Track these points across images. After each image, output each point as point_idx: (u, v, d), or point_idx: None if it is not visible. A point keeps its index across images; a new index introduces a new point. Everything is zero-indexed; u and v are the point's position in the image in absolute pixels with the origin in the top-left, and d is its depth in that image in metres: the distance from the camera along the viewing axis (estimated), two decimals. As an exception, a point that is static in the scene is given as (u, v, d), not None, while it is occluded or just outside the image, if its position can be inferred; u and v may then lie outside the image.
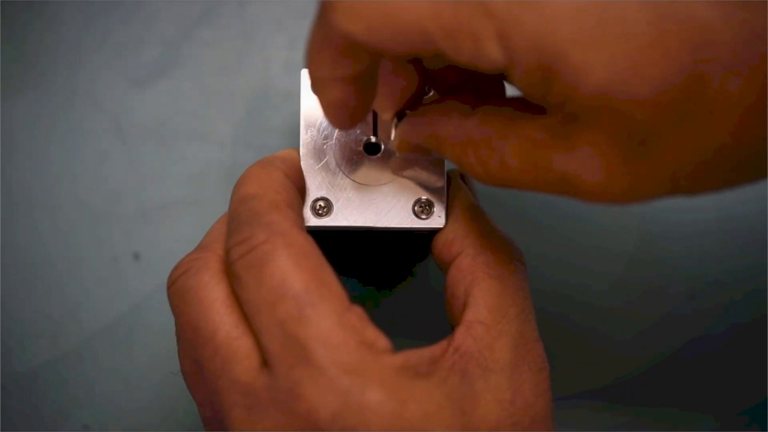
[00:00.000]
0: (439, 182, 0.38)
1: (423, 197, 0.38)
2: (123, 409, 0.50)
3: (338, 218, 0.38)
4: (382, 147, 0.38)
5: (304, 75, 0.39)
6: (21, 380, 0.50)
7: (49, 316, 0.51)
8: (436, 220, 0.38)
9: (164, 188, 0.51)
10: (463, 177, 0.39)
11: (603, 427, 0.51)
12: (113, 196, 0.51)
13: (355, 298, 0.33)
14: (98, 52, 0.52)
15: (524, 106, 0.30)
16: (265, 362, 0.31)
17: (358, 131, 0.39)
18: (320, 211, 0.38)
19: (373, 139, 0.38)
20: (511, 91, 0.33)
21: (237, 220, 0.33)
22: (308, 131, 0.38)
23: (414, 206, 0.38)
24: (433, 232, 0.39)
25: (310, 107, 0.38)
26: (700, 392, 0.51)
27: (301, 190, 0.37)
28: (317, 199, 0.38)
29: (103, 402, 0.50)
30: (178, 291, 0.34)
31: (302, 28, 0.51)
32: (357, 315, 0.31)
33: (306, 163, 0.38)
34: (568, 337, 0.51)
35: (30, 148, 0.51)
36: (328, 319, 0.30)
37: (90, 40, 0.52)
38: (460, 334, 0.34)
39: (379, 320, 0.33)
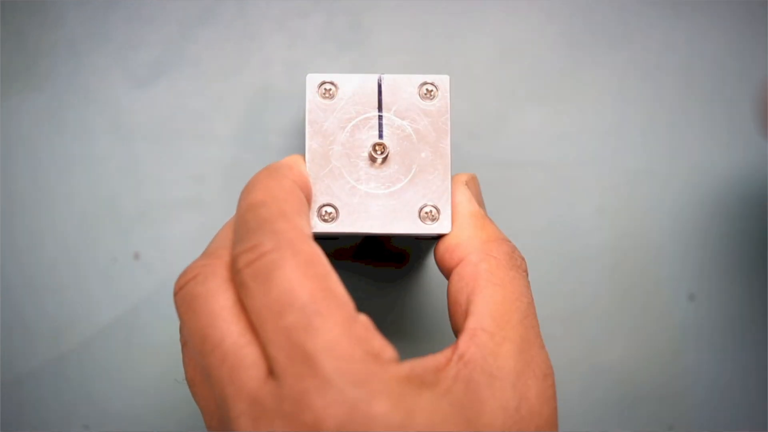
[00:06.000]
0: (445, 188, 0.38)
1: (429, 203, 0.38)
2: (123, 409, 0.50)
3: (344, 224, 0.38)
4: (388, 153, 0.38)
5: (309, 81, 0.39)
6: (21, 380, 0.50)
7: (49, 316, 0.51)
8: (442, 225, 0.38)
9: (164, 188, 0.51)
10: (468, 183, 0.39)
11: (602, 428, 0.51)
12: (113, 195, 0.51)
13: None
14: (98, 52, 0.52)
15: None
16: (272, 371, 0.31)
17: (364, 137, 0.39)
18: (326, 218, 0.38)
19: (378, 145, 0.38)
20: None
21: (244, 228, 0.33)
22: (314, 138, 0.38)
23: (420, 212, 0.38)
24: (435, 238, 0.39)
25: (316, 114, 0.39)
26: (699, 392, 0.51)
27: (307, 197, 0.37)
28: (323, 206, 0.38)
29: (103, 402, 0.50)
30: (185, 298, 0.34)
31: (302, 28, 0.52)
32: (363, 325, 0.31)
33: (312, 170, 0.38)
34: (567, 338, 0.51)
35: (30, 147, 0.51)
36: (335, 329, 0.30)
37: (90, 40, 0.52)
38: (463, 342, 0.34)
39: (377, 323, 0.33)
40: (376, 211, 0.38)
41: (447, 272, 0.38)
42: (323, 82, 0.39)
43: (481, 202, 0.40)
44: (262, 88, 0.52)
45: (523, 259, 0.37)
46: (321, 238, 0.38)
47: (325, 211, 0.38)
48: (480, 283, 0.35)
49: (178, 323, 0.36)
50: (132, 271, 0.51)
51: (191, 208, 0.51)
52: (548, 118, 0.52)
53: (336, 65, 0.52)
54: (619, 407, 0.51)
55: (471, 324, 0.34)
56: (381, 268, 0.51)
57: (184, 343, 0.35)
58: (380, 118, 0.39)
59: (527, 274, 0.37)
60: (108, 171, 0.51)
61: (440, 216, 0.38)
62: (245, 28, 0.52)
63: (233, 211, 0.37)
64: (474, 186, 0.40)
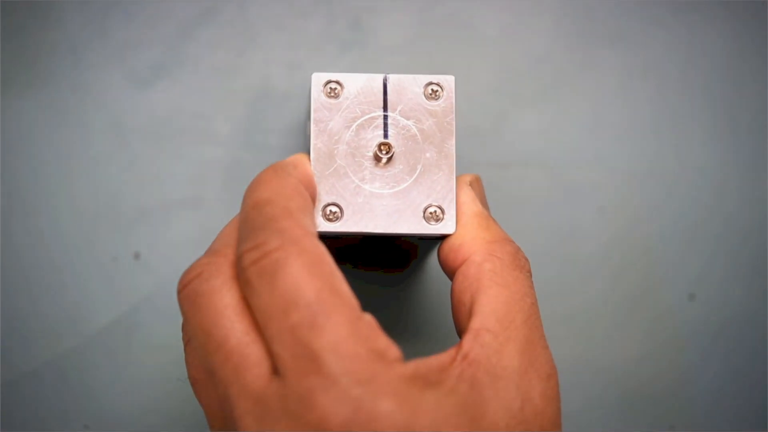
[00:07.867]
0: (449, 188, 0.38)
1: (433, 203, 0.38)
2: (123, 409, 0.50)
3: (349, 224, 0.38)
4: (393, 153, 0.38)
5: (315, 80, 0.39)
6: (21, 380, 0.50)
7: (49, 316, 0.50)
8: (447, 226, 0.38)
9: (164, 188, 0.51)
10: (472, 183, 0.39)
11: (602, 428, 0.51)
12: (113, 195, 0.51)
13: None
14: (98, 52, 0.52)
15: None
16: (276, 370, 0.31)
17: (369, 136, 0.39)
18: (331, 217, 0.38)
19: (383, 145, 0.38)
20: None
21: (250, 226, 0.33)
22: (319, 137, 0.38)
23: (424, 212, 0.38)
24: (439, 238, 0.39)
25: (321, 113, 0.39)
26: (699, 392, 0.51)
27: (312, 196, 0.37)
28: (328, 205, 0.38)
29: (103, 402, 0.50)
30: (189, 296, 0.34)
31: (302, 28, 0.52)
32: (368, 324, 0.31)
33: (317, 169, 0.38)
34: (567, 338, 0.51)
35: (30, 148, 0.51)
36: (340, 328, 0.30)
37: (90, 40, 0.52)
38: (467, 341, 0.34)
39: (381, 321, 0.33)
40: (380, 210, 0.38)
41: (450, 272, 0.38)
42: (329, 81, 0.39)
43: (484, 203, 0.40)
44: (262, 88, 0.52)
45: (527, 259, 0.37)
46: (325, 238, 0.38)
47: (330, 211, 0.38)
48: (484, 283, 0.35)
49: (178, 323, 0.36)
50: (132, 271, 0.51)
51: (191, 208, 0.51)
52: (548, 118, 0.52)
53: (336, 65, 0.52)
54: (619, 407, 0.51)
55: (475, 324, 0.34)
56: (381, 269, 0.51)
57: (187, 341, 0.35)
58: (385, 117, 0.39)
59: (531, 275, 0.37)
60: (108, 171, 0.51)
61: (445, 216, 0.38)
62: (245, 28, 0.52)
63: (233, 211, 0.37)
64: (478, 187, 0.40)
